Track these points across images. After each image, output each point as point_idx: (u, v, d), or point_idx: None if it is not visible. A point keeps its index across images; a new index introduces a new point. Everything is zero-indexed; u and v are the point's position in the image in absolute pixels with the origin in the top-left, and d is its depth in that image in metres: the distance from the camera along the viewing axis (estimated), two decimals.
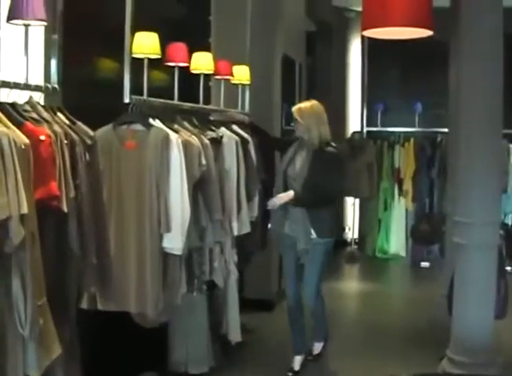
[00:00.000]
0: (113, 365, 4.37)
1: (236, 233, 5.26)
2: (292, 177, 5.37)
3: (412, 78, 11.00)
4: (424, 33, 6.01)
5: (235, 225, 5.24)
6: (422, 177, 10.20)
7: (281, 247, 5.62)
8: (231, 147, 5.27)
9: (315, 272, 5.40)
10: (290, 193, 5.25)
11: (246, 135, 5.60)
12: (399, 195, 10.48)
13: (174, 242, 4.25)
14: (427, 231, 9.72)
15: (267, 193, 5.65)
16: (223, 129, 5.34)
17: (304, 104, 5.48)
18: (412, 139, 10.39)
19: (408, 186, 10.27)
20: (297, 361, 5.52)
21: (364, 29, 6.21)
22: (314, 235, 5.28)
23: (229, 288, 5.46)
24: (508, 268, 6.45)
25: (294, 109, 5.46)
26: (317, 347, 5.86)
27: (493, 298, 5.19)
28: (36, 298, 2.88)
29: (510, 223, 9.82)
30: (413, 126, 10.82)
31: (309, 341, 5.79)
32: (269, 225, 5.73)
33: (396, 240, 10.59)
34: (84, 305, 3.88)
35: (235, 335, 5.57)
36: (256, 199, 5.65)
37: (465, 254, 5.15)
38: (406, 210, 10.53)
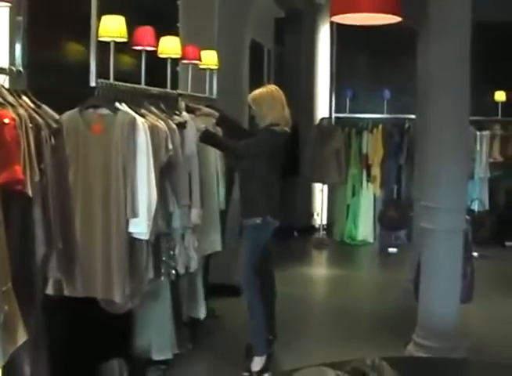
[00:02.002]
0: (79, 351, 4.34)
1: (194, 220, 5.18)
2: None
3: (381, 65, 11.04)
4: (393, 19, 6.01)
5: (194, 211, 5.17)
6: (390, 163, 10.26)
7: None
8: (193, 132, 5.22)
9: (244, 257, 5.19)
10: (202, 127, 5.17)
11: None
12: (367, 181, 10.52)
13: (141, 227, 4.22)
14: (395, 217, 9.78)
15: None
16: (185, 114, 5.29)
17: (259, 90, 5.37)
18: (380, 126, 10.44)
19: (376, 172, 10.32)
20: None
21: (332, 15, 6.22)
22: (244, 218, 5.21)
23: (194, 274, 5.46)
24: (474, 253, 6.50)
25: (249, 95, 5.42)
26: (256, 362, 5.07)
27: (459, 283, 5.23)
28: (0, 283, 2.85)
29: (476, 209, 9.91)
30: (382, 112, 10.87)
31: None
32: None
33: (364, 226, 10.64)
34: (50, 290, 3.86)
35: (199, 312, 5.61)
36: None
37: (431, 239, 5.19)
38: (374, 196, 10.59)
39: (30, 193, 3.02)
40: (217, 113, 5.59)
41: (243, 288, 5.18)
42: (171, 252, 4.91)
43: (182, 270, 5.05)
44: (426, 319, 5.25)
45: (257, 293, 5.12)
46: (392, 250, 9.95)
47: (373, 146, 10.37)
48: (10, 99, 3.17)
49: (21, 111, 3.12)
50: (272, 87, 5.42)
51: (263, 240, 5.26)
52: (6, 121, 2.92)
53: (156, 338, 5.03)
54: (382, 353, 2.63)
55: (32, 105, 3.29)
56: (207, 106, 5.82)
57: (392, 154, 10.27)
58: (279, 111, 5.24)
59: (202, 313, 5.71)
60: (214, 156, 5.66)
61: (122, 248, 4.15)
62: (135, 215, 4.15)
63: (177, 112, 5.22)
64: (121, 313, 4.39)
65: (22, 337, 3.03)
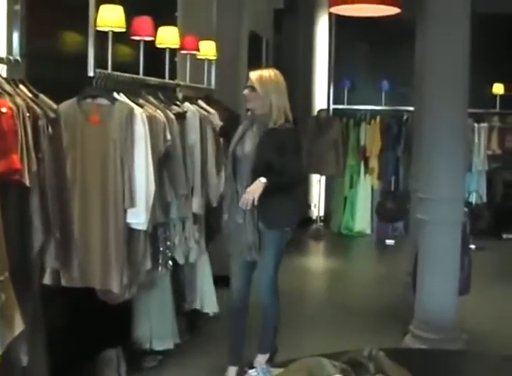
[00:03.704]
0: (77, 341, 4.35)
1: (196, 209, 5.20)
2: (240, 160, 4.61)
3: (379, 56, 11.02)
4: (391, 10, 6.04)
5: (196, 201, 5.18)
6: (388, 155, 10.26)
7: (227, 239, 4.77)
8: (195, 123, 5.22)
9: (269, 263, 4.68)
10: (259, 183, 4.40)
11: (212, 111, 5.55)
12: (365, 173, 10.52)
13: (139, 217, 4.22)
14: (392, 209, 9.78)
15: None
16: (187, 104, 5.29)
17: (266, 71, 4.65)
18: (378, 117, 10.43)
19: (374, 163, 10.32)
20: (232, 372, 4.81)
21: (331, 6, 6.22)
22: (262, 225, 4.54)
23: (198, 264, 5.46)
24: (472, 246, 6.50)
25: (253, 75, 4.60)
26: (260, 360, 4.83)
27: (456, 275, 5.24)
28: None
29: (473, 201, 9.91)
30: (380, 104, 10.86)
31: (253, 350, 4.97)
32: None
33: (361, 218, 10.64)
34: (48, 280, 3.86)
35: (211, 307, 5.60)
36: (222, 174, 5.60)
37: (428, 230, 5.19)
38: (372, 187, 10.59)
39: (27, 182, 3.02)
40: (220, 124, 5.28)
41: (266, 294, 4.78)
42: (168, 242, 4.91)
43: (181, 260, 5.05)
44: (423, 311, 5.26)
45: (277, 301, 4.89)
46: (389, 242, 9.95)
47: (370, 137, 10.36)
48: (7, 88, 3.18)
49: (18, 100, 3.12)
50: (276, 70, 4.72)
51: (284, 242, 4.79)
52: (3, 110, 2.92)
53: (157, 327, 5.03)
54: (379, 345, 2.63)
55: (30, 94, 3.29)
56: (206, 97, 5.82)
57: (390, 146, 10.26)
58: (287, 102, 4.67)
59: (210, 307, 5.70)
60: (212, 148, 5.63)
61: (120, 238, 4.15)
62: (132, 205, 4.14)
63: (177, 102, 5.21)
64: (119, 303, 4.39)
65: (19, 326, 3.04)
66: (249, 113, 4.77)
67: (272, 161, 4.48)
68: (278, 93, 4.58)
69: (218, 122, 5.31)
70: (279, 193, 4.55)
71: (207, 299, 5.61)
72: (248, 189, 4.42)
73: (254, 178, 4.44)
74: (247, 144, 4.62)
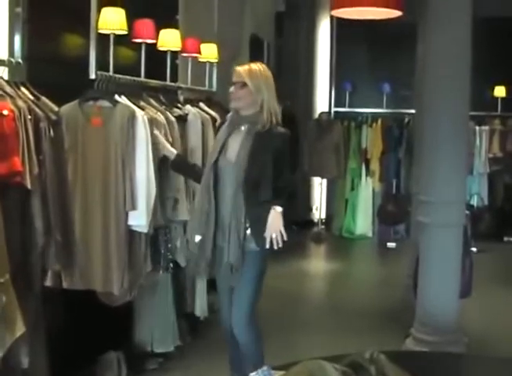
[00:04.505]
0: (78, 344, 4.35)
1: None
2: (224, 171, 4.00)
3: (381, 59, 11.03)
4: (393, 13, 6.03)
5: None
6: (389, 157, 10.25)
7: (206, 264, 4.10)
8: (196, 125, 5.21)
9: (244, 292, 4.00)
10: (276, 213, 3.91)
11: (214, 113, 5.55)
12: (366, 175, 10.51)
13: (140, 220, 4.21)
14: (394, 211, 9.78)
15: None
16: (188, 107, 5.29)
17: (255, 65, 4.09)
18: (379, 120, 10.42)
19: (375, 166, 10.32)
20: None
21: (333, 9, 6.22)
22: (251, 243, 3.93)
23: None
24: (473, 248, 6.49)
25: (242, 69, 4.04)
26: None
27: (458, 277, 5.23)
28: None
29: (475, 204, 9.91)
30: (381, 107, 10.86)
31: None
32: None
33: (363, 221, 10.63)
34: (49, 282, 3.86)
35: (201, 310, 5.58)
36: None
37: (429, 233, 5.19)
38: (373, 190, 10.59)
39: (28, 184, 3.02)
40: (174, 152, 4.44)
41: (239, 328, 4.06)
42: (169, 245, 4.91)
43: (182, 263, 5.04)
44: (424, 314, 5.25)
45: (255, 331, 4.14)
46: (391, 244, 9.94)
47: (372, 140, 10.36)
48: (9, 90, 3.19)
49: (20, 103, 3.12)
50: (263, 64, 4.19)
51: (266, 266, 4.13)
52: (5, 112, 2.92)
53: (158, 330, 5.04)
54: (381, 347, 2.62)
55: (31, 97, 3.30)
56: (207, 100, 5.81)
57: (391, 149, 10.25)
58: (275, 99, 4.09)
59: (200, 311, 5.66)
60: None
61: (121, 241, 4.15)
62: (134, 207, 4.14)
63: (178, 105, 5.21)
64: (120, 305, 4.40)
65: (20, 328, 3.04)
66: (229, 115, 4.17)
67: (267, 171, 3.95)
68: (269, 90, 4.03)
69: None
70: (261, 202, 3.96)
71: (198, 302, 5.59)
72: (269, 225, 3.88)
73: (247, 191, 3.89)
74: (232, 151, 3.99)
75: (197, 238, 4.07)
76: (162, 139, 4.41)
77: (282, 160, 3.99)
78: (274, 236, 3.88)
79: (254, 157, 3.92)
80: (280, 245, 3.89)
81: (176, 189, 4.80)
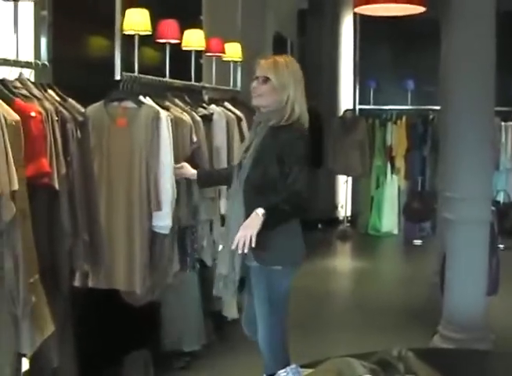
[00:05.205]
0: (105, 343, 4.38)
1: (223, 211, 5.20)
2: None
3: (405, 56, 10.99)
4: (416, 9, 6.02)
5: (223, 203, 5.19)
6: (414, 154, 10.21)
7: None
8: (221, 125, 5.23)
9: (259, 312, 3.70)
10: (256, 216, 3.42)
11: (239, 113, 5.56)
12: (392, 173, 10.49)
13: (163, 220, 4.23)
14: (420, 208, 9.75)
15: None
16: (213, 107, 5.30)
17: (281, 57, 3.70)
18: (404, 117, 10.39)
19: (400, 163, 10.29)
20: None
21: (356, 5, 6.21)
22: (251, 257, 3.58)
23: None
24: (500, 245, 6.46)
25: (265, 62, 3.66)
26: None
27: (485, 275, 5.21)
28: (28, 275, 2.87)
29: (501, 200, 9.84)
30: (406, 104, 10.82)
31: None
32: None
33: (388, 218, 10.61)
34: (77, 282, 3.89)
35: (230, 312, 5.59)
36: None
37: (455, 230, 5.17)
38: (399, 187, 10.56)
39: (56, 185, 3.05)
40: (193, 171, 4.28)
41: (262, 347, 3.77)
42: (196, 245, 4.93)
43: (209, 262, 5.05)
44: (451, 312, 5.23)
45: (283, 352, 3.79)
46: (417, 242, 9.90)
47: (397, 137, 10.33)
48: (36, 92, 3.20)
49: (47, 105, 3.15)
50: (290, 57, 3.83)
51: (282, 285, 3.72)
52: (33, 114, 2.94)
53: (185, 329, 5.05)
54: (407, 345, 2.62)
55: (58, 98, 3.32)
56: (232, 99, 5.82)
57: (416, 146, 10.21)
58: (303, 95, 3.69)
59: (229, 311, 5.66)
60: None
61: (144, 240, 4.17)
62: (159, 208, 4.16)
63: (203, 104, 5.23)
64: (146, 305, 4.42)
65: (49, 328, 3.06)
66: (256, 114, 3.82)
67: (270, 172, 3.54)
68: (296, 86, 3.62)
69: None
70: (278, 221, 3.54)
71: (227, 303, 5.59)
72: (243, 225, 3.45)
73: (248, 195, 3.58)
74: (250, 153, 3.66)
75: (220, 247, 3.89)
76: (176, 170, 4.23)
77: (289, 160, 3.50)
78: (240, 235, 3.42)
79: (258, 156, 3.59)
80: (245, 251, 3.42)
81: (213, 189, 4.85)
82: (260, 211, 3.41)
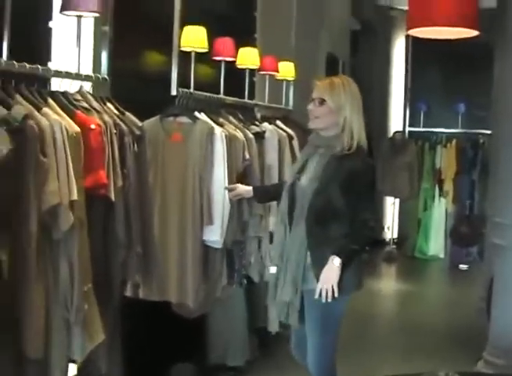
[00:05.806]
0: (152, 354, 4.42)
1: (272, 228, 5.23)
2: (298, 195, 3.66)
3: (456, 79, 10.95)
4: (470, 33, 5.98)
5: (272, 220, 5.21)
6: (463, 178, 10.16)
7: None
8: (273, 143, 5.28)
9: (311, 337, 3.67)
10: (333, 266, 3.47)
11: (290, 131, 5.60)
12: (440, 196, 10.44)
13: (215, 235, 4.28)
14: (467, 233, 9.68)
15: None
16: (266, 124, 5.35)
17: (338, 78, 3.66)
18: (454, 140, 10.34)
19: (449, 186, 10.24)
20: None
21: (409, 28, 6.20)
22: (312, 283, 3.55)
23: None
24: None
25: (322, 83, 3.64)
26: None
27: None
28: (82, 283, 2.93)
29: None
30: (456, 127, 10.78)
31: None
32: None
33: (435, 241, 10.55)
34: (128, 293, 3.95)
35: (273, 326, 5.60)
36: None
37: (504, 255, 5.13)
38: (446, 211, 10.50)
39: (112, 197, 3.11)
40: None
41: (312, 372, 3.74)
42: (244, 260, 4.96)
43: (256, 279, 5.08)
44: (497, 338, 5.18)
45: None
46: (463, 266, 9.83)
47: (446, 160, 10.29)
48: (95, 105, 3.28)
49: (106, 117, 3.22)
50: (348, 78, 3.78)
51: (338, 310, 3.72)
52: (92, 126, 3.02)
53: (231, 343, 5.08)
54: (451, 369, 2.63)
55: (116, 112, 3.38)
56: (284, 118, 5.86)
57: (466, 169, 10.17)
58: (361, 116, 3.65)
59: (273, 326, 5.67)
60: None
61: (197, 254, 4.22)
62: (211, 222, 4.21)
63: (256, 122, 5.28)
64: (194, 318, 4.46)
65: (100, 336, 3.11)
66: (312, 135, 3.79)
67: (335, 202, 3.52)
68: (353, 108, 3.58)
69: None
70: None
71: (271, 317, 5.59)
72: (323, 277, 3.48)
73: (309, 223, 3.55)
74: (306, 176, 3.65)
75: (272, 269, 3.87)
76: (231, 192, 4.23)
77: (359, 191, 3.53)
78: (324, 290, 3.46)
79: (322, 184, 3.53)
80: (329, 300, 3.46)
81: (262, 206, 4.85)
82: (336, 261, 3.46)
